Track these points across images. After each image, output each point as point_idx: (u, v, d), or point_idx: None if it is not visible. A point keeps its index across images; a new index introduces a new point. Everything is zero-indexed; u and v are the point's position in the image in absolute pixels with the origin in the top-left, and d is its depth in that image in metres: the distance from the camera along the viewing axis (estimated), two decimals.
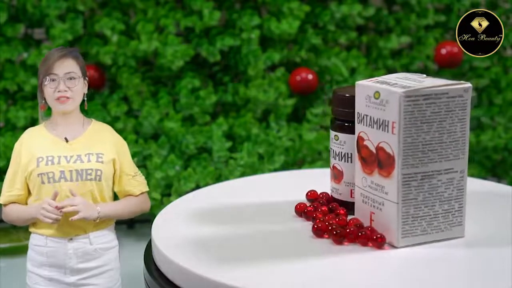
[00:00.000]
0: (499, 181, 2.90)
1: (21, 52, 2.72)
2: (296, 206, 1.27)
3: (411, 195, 1.10)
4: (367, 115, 1.14)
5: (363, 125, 1.15)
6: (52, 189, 1.51)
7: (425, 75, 1.15)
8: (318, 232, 1.15)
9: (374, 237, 1.10)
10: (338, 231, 1.12)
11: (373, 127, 1.13)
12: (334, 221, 1.17)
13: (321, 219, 1.18)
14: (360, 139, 1.16)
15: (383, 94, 1.09)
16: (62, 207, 1.48)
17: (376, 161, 1.12)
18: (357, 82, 1.16)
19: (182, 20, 2.74)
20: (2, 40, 2.69)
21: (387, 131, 1.09)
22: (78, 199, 1.50)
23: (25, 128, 2.72)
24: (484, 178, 2.80)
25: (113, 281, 1.59)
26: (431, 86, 1.08)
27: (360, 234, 1.11)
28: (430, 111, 1.08)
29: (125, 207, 1.58)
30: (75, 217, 1.49)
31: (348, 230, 1.12)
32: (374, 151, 1.12)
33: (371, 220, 1.15)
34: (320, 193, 1.30)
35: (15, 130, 2.73)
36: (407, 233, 1.11)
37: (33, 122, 2.71)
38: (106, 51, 2.68)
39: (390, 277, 1.02)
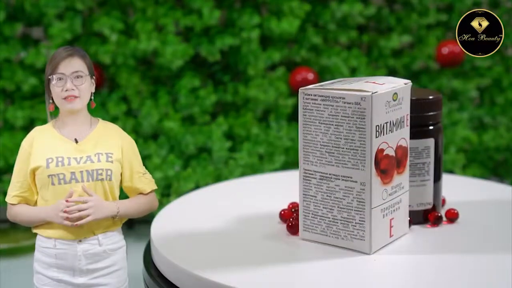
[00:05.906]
0: (501, 181, 2.88)
1: (19, 51, 2.70)
2: None
3: (311, 191, 1.14)
4: None
5: None
6: (62, 190, 1.50)
7: (383, 81, 1.12)
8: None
9: (289, 224, 1.22)
10: (282, 212, 1.29)
11: None
12: None
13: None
14: None
15: None
16: (72, 211, 1.46)
17: None
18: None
19: (181, 19, 2.72)
20: (0, 39, 2.68)
21: None
22: (91, 202, 1.48)
23: (23, 128, 2.71)
24: (487, 178, 2.78)
25: (122, 281, 1.58)
26: (333, 88, 1.08)
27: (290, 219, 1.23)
28: (327, 113, 1.08)
29: (138, 205, 1.57)
30: (82, 221, 1.47)
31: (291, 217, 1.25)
32: None
33: None
34: None
35: (13, 130, 2.71)
36: (308, 228, 1.16)
37: (32, 122, 2.70)
38: (105, 51, 2.66)
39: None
